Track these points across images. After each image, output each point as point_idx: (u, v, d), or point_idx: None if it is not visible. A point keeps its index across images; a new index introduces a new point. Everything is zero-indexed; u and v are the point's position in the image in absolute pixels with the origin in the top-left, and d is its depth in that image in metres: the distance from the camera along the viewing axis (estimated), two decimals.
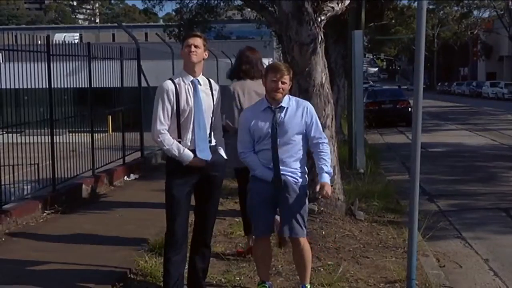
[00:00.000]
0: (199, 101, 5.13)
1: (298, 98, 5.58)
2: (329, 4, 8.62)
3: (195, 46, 5.09)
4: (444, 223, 8.79)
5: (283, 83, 5.21)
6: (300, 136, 5.31)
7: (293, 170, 5.28)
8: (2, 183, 8.26)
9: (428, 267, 6.61)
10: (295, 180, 5.29)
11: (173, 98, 5.08)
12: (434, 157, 16.14)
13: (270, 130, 5.23)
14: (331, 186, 8.36)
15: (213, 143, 5.21)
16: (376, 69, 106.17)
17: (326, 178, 5.28)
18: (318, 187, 5.27)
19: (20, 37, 9.34)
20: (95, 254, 6.75)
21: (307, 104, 5.45)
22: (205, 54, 5.21)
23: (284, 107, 5.29)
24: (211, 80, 5.33)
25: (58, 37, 30.30)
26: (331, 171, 5.49)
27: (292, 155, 5.27)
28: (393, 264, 6.48)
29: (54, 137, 9.83)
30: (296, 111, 5.31)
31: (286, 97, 5.33)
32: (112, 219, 8.62)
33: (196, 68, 5.16)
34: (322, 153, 5.33)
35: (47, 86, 9.79)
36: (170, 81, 5.14)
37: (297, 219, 5.32)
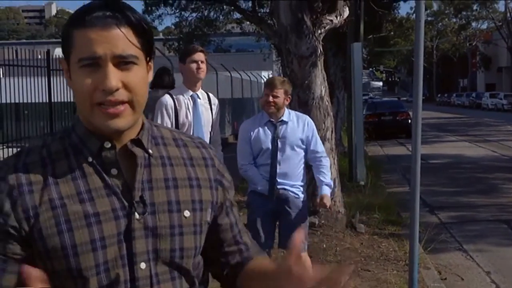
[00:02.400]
0: (199, 116, 5.13)
1: (298, 113, 5.60)
2: (327, 17, 8.65)
3: (202, 62, 5.08)
4: (445, 235, 8.76)
5: (274, 96, 5.23)
6: (301, 150, 5.32)
7: (293, 184, 5.28)
8: None
9: (429, 280, 6.59)
10: (296, 195, 5.30)
11: (172, 112, 5.09)
12: (435, 169, 16.12)
13: (270, 144, 5.24)
14: (332, 198, 8.35)
15: None
16: (380, 83, 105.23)
17: (325, 190, 5.30)
18: (318, 200, 5.30)
19: (20, 52, 9.38)
20: None
21: (308, 118, 5.47)
22: (206, 68, 5.24)
23: (285, 121, 5.30)
24: (210, 94, 5.34)
25: (58, 51, 30.36)
26: (331, 183, 5.50)
27: (292, 169, 5.28)
28: (394, 277, 6.46)
29: None
30: (297, 125, 5.33)
31: (287, 111, 5.35)
32: None
33: (198, 83, 5.18)
34: (321, 167, 5.34)
35: (47, 101, 9.80)
36: (168, 96, 5.15)
37: None
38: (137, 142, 1.49)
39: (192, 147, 1.62)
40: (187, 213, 1.52)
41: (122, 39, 1.40)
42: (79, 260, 1.41)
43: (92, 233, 1.42)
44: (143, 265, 1.46)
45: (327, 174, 5.36)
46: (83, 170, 1.46)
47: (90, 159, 1.46)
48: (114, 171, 1.47)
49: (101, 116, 1.40)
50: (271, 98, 5.22)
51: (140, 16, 1.44)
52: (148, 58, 1.48)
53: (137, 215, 1.46)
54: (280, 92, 5.24)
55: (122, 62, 1.40)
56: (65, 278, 1.43)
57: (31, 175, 1.44)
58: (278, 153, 5.23)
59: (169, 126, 5.11)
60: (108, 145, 1.46)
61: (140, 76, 1.44)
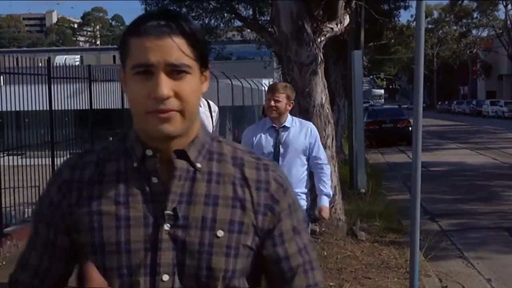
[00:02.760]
0: None
1: (301, 119, 5.61)
2: (328, 25, 8.66)
3: None
4: (446, 242, 8.75)
5: (276, 101, 5.24)
6: (304, 157, 5.32)
7: (295, 191, 5.26)
8: (3, 206, 8.24)
9: (430, 287, 6.57)
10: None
11: None
12: (435, 176, 16.11)
13: (273, 149, 5.25)
14: (332, 206, 8.35)
15: None
16: (382, 91, 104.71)
17: (324, 201, 5.32)
18: (317, 212, 5.31)
19: (21, 60, 9.39)
20: None
21: (311, 125, 5.48)
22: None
23: (288, 127, 5.31)
24: (210, 101, 5.35)
25: (59, 59, 30.43)
26: (331, 193, 5.50)
27: (294, 176, 5.27)
28: (395, 285, 6.45)
29: (55, 159, 9.83)
30: (300, 132, 5.34)
31: (289, 117, 5.36)
32: None
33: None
34: (322, 174, 5.35)
35: (48, 108, 9.81)
36: None
37: None
38: (181, 153, 1.50)
39: (250, 167, 1.56)
40: (220, 233, 1.48)
41: (175, 48, 1.43)
42: (104, 259, 1.48)
43: (119, 235, 1.47)
44: (165, 277, 1.46)
45: (327, 183, 5.37)
46: (127, 174, 1.51)
47: (135, 165, 1.51)
48: (154, 180, 1.49)
49: (152, 121, 1.43)
50: (273, 103, 5.23)
51: (195, 27, 1.47)
52: (202, 69, 1.51)
53: (166, 227, 1.47)
54: (282, 97, 5.25)
55: (175, 71, 1.43)
56: None
57: (84, 173, 1.53)
58: (280, 158, 5.23)
59: None
60: (149, 153, 1.49)
61: (192, 85, 1.46)
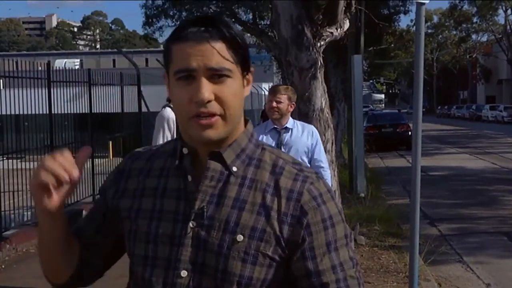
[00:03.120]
0: None
1: (303, 122, 5.63)
2: (328, 30, 8.66)
3: None
4: (446, 247, 8.75)
5: (278, 102, 5.25)
6: (306, 160, 5.32)
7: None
8: (2, 209, 8.24)
9: None
10: None
11: (173, 125, 5.11)
12: (435, 181, 16.11)
13: None
14: None
15: None
16: (382, 95, 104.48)
17: None
18: None
19: (20, 64, 9.40)
20: (99, 281, 6.70)
21: (313, 128, 5.50)
22: None
23: (290, 128, 5.32)
24: None
25: (59, 63, 30.41)
26: None
27: None
28: None
29: None
30: (302, 134, 5.35)
31: (291, 120, 5.38)
32: None
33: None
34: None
35: (48, 112, 9.81)
36: (169, 109, 5.17)
37: None
38: (216, 155, 1.52)
39: (287, 177, 1.53)
40: (240, 238, 1.48)
41: (215, 53, 1.47)
42: (134, 246, 1.57)
43: (150, 226, 1.55)
44: (184, 273, 1.50)
45: None
46: (169, 171, 1.58)
47: (177, 162, 1.56)
48: (189, 178, 1.54)
49: (195, 127, 1.48)
50: (274, 104, 5.25)
51: (235, 31, 1.50)
52: (245, 72, 1.54)
53: (191, 224, 1.51)
54: (283, 98, 5.27)
55: (216, 75, 1.47)
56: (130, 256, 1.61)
57: (134, 164, 1.65)
58: None
59: (169, 139, 5.12)
60: (185, 151, 1.55)
61: (234, 89, 1.49)
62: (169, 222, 1.52)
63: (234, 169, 1.53)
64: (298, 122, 5.49)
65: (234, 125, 1.52)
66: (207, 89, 1.45)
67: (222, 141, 1.51)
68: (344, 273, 1.53)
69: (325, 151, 8.07)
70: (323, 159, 5.41)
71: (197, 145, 1.52)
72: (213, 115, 1.46)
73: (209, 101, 1.45)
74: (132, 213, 1.58)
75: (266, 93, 5.72)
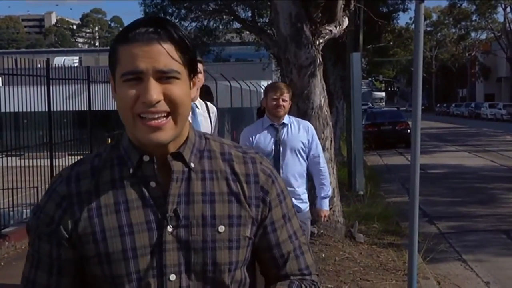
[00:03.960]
0: (198, 125, 5.13)
1: (298, 118, 5.63)
2: (327, 27, 8.67)
3: (199, 73, 5.09)
4: (445, 245, 8.76)
5: (283, 100, 5.25)
6: (303, 156, 5.32)
7: (296, 196, 5.24)
8: (1, 206, 8.24)
9: None
10: (298, 208, 5.28)
11: None
12: (434, 179, 16.12)
13: (273, 147, 5.25)
14: (330, 208, 8.34)
15: None
16: (383, 93, 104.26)
17: (324, 205, 5.35)
18: (315, 213, 5.36)
19: (20, 61, 9.39)
20: None
21: (308, 123, 5.50)
22: (203, 78, 5.24)
23: (286, 124, 5.32)
24: (208, 103, 5.35)
25: (58, 60, 30.38)
26: (329, 194, 5.52)
27: (295, 176, 5.26)
28: (393, 287, 6.45)
29: (54, 160, 9.82)
30: (298, 129, 5.35)
31: (287, 116, 5.37)
32: None
33: (196, 93, 5.18)
34: (322, 177, 5.37)
35: (47, 110, 9.81)
36: None
37: None
38: (177, 155, 1.52)
39: (238, 162, 1.59)
40: (221, 228, 1.52)
41: (164, 55, 1.44)
42: (111, 267, 1.49)
43: (125, 243, 1.49)
44: (172, 277, 1.49)
45: (327, 185, 5.42)
46: (123, 181, 1.52)
47: (131, 171, 1.52)
48: (153, 184, 1.51)
49: (143, 129, 1.44)
50: (281, 102, 5.23)
51: (183, 33, 1.48)
52: (191, 74, 1.52)
53: (169, 228, 1.49)
54: (288, 96, 5.28)
55: (164, 77, 1.44)
56: (103, 283, 1.52)
57: (80, 185, 1.53)
58: (281, 156, 5.24)
59: None
60: (146, 158, 1.50)
61: (182, 89, 1.47)
62: (143, 232, 1.49)
63: (192, 165, 1.54)
64: (294, 118, 5.49)
65: (183, 125, 1.50)
66: (155, 91, 1.42)
67: (173, 140, 1.50)
68: (298, 241, 1.65)
69: (324, 148, 8.10)
70: (320, 154, 5.42)
71: (152, 149, 1.49)
72: (162, 113, 1.44)
73: (158, 102, 1.42)
74: (98, 236, 1.49)
75: (265, 89, 5.67)
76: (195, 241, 1.50)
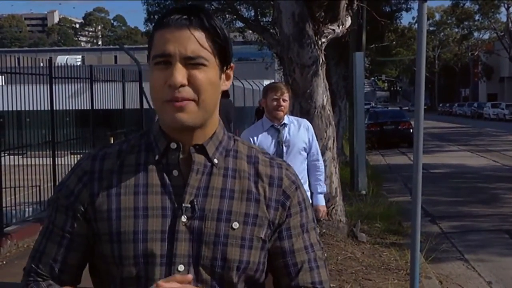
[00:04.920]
0: None
1: (297, 117, 5.65)
2: (330, 27, 8.67)
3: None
4: (447, 245, 8.76)
5: (284, 100, 5.25)
6: (304, 154, 5.34)
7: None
8: (4, 205, 8.24)
9: None
10: None
11: None
12: (436, 178, 16.11)
13: (275, 148, 5.25)
14: (333, 207, 8.35)
15: None
16: (387, 93, 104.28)
17: (320, 201, 5.37)
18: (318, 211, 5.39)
19: (22, 60, 9.39)
20: None
21: (307, 122, 5.52)
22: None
23: (287, 124, 5.32)
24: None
25: (61, 59, 30.41)
26: (325, 190, 5.56)
27: (298, 173, 5.27)
28: (395, 287, 6.45)
29: (56, 159, 9.83)
30: (298, 129, 5.36)
31: (286, 116, 5.37)
32: None
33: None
34: (318, 173, 5.43)
35: (49, 108, 9.82)
36: None
37: None
38: (200, 148, 1.54)
39: (264, 165, 1.61)
40: (236, 225, 1.52)
41: (192, 41, 1.48)
42: (120, 247, 1.50)
43: (137, 225, 1.51)
44: (181, 267, 1.49)
45: (322, 182, 5.47)
46: (147, 166, 1.55)
47: (156, 157, 1.55)
48: (175, 172, 1.53)
49: (168, 110, 1.48)
50: (282, 102, 5.23)
51: (216, 23, 1.52)
52: (224, 66, 1.56)
53: (183, 218, 1.50)
54: (288, 96, 5.28)
55: (191, 63, 1.48)
56: (110, 263, 1.53)
57: (105, 163, 1.57)
58: (284, 157, 5.23)
59: None
60: (174, 146, 1.53)
61: (209, 77, 1.50)
62: (157, 218, 1.50)
63: (216, 161, 1.56)
64: (293, 118, 5.50)
65: (208, 113, 1.53)
66: (180, 73, 1.46)
67: (199, 132, 1.53)
68: (314, 253, 1.63)
69: (326, 148, 8.13)
70: (318, 150, 5.50)
71: (179, 137, 1.52)
72: (186, 99, 1.47)
73: (182, 86, 1.46)
74: (113, 214, 1.52)
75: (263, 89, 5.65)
76: (208, 234, 1.50)
